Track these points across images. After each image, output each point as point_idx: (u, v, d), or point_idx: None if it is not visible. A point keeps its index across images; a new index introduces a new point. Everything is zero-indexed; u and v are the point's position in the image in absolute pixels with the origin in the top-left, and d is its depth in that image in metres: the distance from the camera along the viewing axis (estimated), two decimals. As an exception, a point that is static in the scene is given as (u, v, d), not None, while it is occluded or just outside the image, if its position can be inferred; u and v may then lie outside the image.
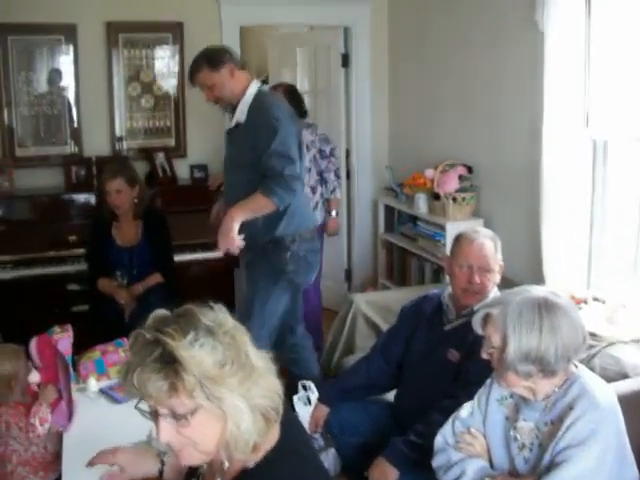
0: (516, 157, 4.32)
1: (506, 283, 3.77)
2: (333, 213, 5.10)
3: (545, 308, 2.02)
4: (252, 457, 1.50)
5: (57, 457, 2.80)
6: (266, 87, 3.79)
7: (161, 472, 1.99)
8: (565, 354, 2.03)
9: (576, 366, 2.13)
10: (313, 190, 4.96)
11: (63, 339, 2.88)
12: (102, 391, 3.13)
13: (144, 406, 1.48)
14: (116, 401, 3.03)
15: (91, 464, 2.06)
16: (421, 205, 4.83)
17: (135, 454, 2.06)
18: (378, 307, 4.18)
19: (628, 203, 3.80)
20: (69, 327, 2.97)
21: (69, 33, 5.06)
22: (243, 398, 1.45)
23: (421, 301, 3.23)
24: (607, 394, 2.10)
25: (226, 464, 1.52)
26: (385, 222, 5.45)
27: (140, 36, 5.24)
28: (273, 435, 1.53)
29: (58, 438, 2.83)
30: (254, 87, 3.61)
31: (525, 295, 2.08)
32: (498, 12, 4.40)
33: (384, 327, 4.02)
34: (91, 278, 4.40)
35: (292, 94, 4.96)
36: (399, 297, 4.08)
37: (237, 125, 3.59)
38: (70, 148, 5.22)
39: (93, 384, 3.10)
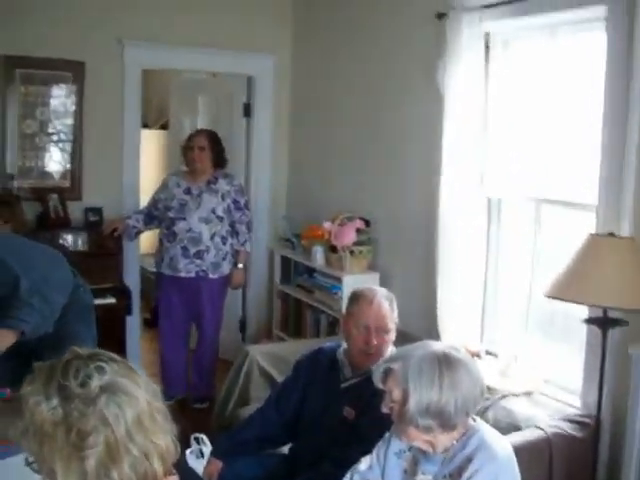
0: (413, 212, 4.41)
1: (402, 336, 3.80)
2: (240, 265, 5.05)
3: (445, 363, 2.04)
4: None
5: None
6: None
7: None
8: (464, 408, 2.04)
9: (474, 419, 2.15)
10: (223, 240, 4.92)
11: None
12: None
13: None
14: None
15: None
16: (318, 257, 4.85)
17: None
18: (273, 358, 4.14)
19: (520, 260, 3.92)
20: None
21: (-39, 64, 4.90)
22: (76, 476, 1.38)
23: (316, 354, 3.19)
24: (504, 446, 2.12)
25: None
26: (282, 273, 5.44)
27: (39, 73, 5.08)
28: None
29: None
30: None
31: (426, 350, 2.09)
32: (403, 65, 4.52)
33: (279, 379, 3.97)
34: None
35: (215, 141, 4.98)
36: (294, 349, 4.05)
37: None
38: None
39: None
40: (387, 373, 2.13)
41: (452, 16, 3.90)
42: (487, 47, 3.93)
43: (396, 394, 2.08)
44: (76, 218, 5.19)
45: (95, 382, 1.40)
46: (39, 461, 1.41)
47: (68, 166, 5.26)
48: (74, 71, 5.16)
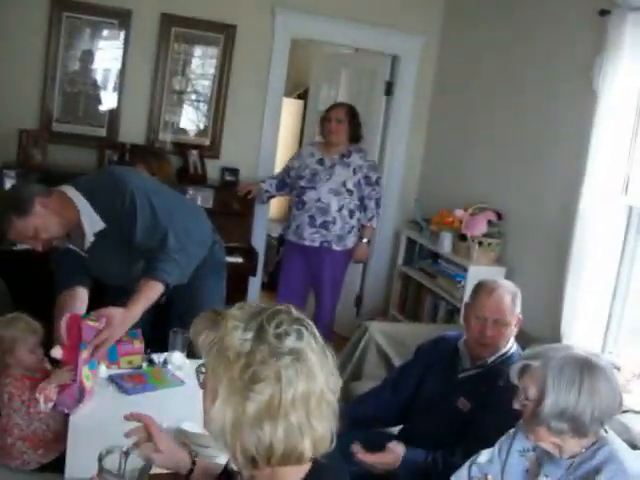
0: (549, 211, 4.32)
1: (520, 335, 3.76)
2: (365, 240, 5.08)
3: (587, 369, 2.01)
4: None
5: (58, 437, 2.78)
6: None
7: (190, 472, 1.95)
8: (600, 417, 2.01)
9: (606, 431, 2.11)
10: (351, 214, 4.96)
11: (91, 328, 2.84)
12: (111, 379, 3.11)
13: None
14: (125, 391, 3.01)
15: (128, 435, 2.04)
16: (446, 243, 4.83)
17: (173, 445, 2.02)
18: (391, 338, 4.16)
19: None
20: (103, 320, 2.92)
21: (124, 18, 5.08)
22: (233, 410, 1.44)
23: (439, 341, 3.19)
24: (636, 462, 2.08)
25: (245, 474, 1.53)
26: (405, 255, 5.44)
27: (193, 33, 5.26)
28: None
29: (62, 418, 2.81)
30: (75, 194, 3.10)
31: (568, 352, 2.06)
32: (554, 62, 4.41)
33: (394, 359, 4.01)
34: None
35: (353, 115, 5.01)
36: (413, 332, 4.09)
37: (96, 236, 3.14)
38: (105, 131, 5.23)
39: (103, 370, 3.07)
40: (525, 369, 2.11)
41: (616, 13, 3.79)
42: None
43: (532, 392, 2.06)
44: (213, 176, 5.34)
45: (290, 342, 1.45)
46: (208, 374, 1.50)
47: (209, 125, 5.42)
48: (225, 34, 5.31)
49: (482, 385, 2.86)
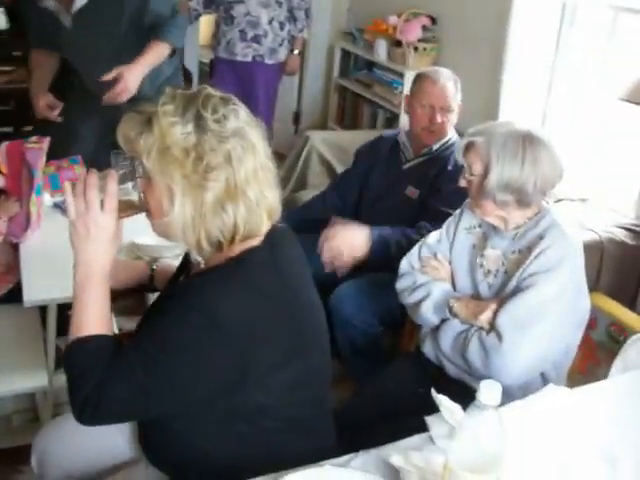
0: (483, 12, 4.28)
1: (460, 133, 3.84)
2: (296, 51, 5.01)
3: (529, 140, 2.06)
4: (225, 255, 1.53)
5: (9, 269, 2.78)
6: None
7: (151, 279, 2.00)
8: (542, 187, 2.09)
9: (547, 202, 2.21)
10: (281, 25, 4.85)
11: (34, 150, 2.78)
12: (56, 205, 3.09)
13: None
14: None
15: None
16: (381, 51, 4.79)
17: (123, 263, 2.05)
18: (332, 146, 4.20)
19: (589, 66, 3.84)
20: (46, 140, 2.86)
21: None
22: (192, 204, 1.47)
23: (377, 141, 3.27)
24: (574, 230, 2.20)
25: (201, 263, 1.58)
26: (340, 67, 5.40)
27: None
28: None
29: (11, 249, 2.80)
30: None
31: (510, 127, 2.12)
32: None
33: (337, 166, 4.06)
34: None
35: None
36: (354, 138, 4.11)
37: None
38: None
39: (47, 199, 3.04)
40: (469, 147, 2.16)
41: None
42: None
43: (477, 167, 2.12)
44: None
45: (230, 123, 1.48)
46: (154, 177, 1.49)
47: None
48: None
49: (428, 171, 2.97)
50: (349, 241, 2.78)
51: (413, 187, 3.01)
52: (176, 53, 3.49)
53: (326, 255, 2.80)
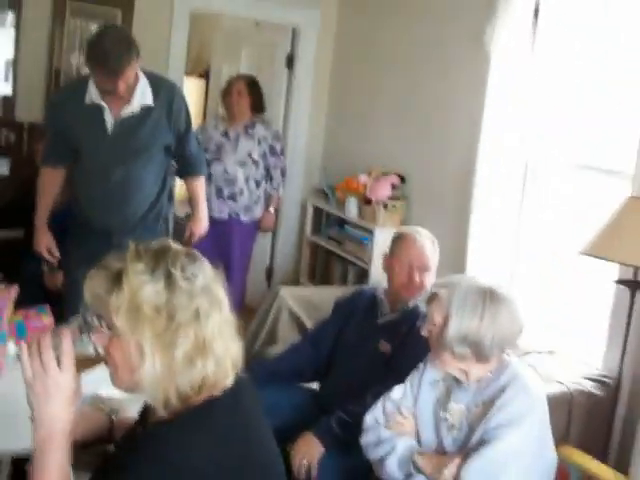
0: (449, 171, 4.46)
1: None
2: (271, 209, 5.15)
3: (490, 297, 2.12)
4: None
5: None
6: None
7: (110, 431, 1.97)
8: (500, 343, 2.13)
9: (508, 354, 2.24)
10: (257, 184, 5.02)
11: (0, 298, 2.80)
12: (20, 356, 3.05)
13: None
14: (36, 366, 2.98)
15: None
16: (352, 209, 4.93)
17: (82, 416, 1.99)
18: (303, 302, 4.24)
19: (552, 223, 3.97)
20: (14, 288, 2.88)
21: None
22: (162, 361, 1.46)
23: (356, 295, 3.28)
24: (537, 383, 2.22)
25: (162, 412, 1.52)
26: (313, 224, 5.52)
27: (89, 7, 5.16)
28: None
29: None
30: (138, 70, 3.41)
31: (473, 282, 2.18)
32: (450, 26, 4.54)
33: (307, 322, 4.08)
34: None
35: (254, 87, 5.06)
36: (324, 294, 4.17)
37: (140, 109, 3.40)
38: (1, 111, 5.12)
39: (11, 348, 3.01)
40: (432, 297, 2.22)
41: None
42: (536, 11, 3.95)
43: (437, 318, 2.17)
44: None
45: (199, 281, 1.50)
46: (121, 334, 1.48)
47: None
48: (122, 8, 5.22)
49: (402, 327, 2.96)
50: (304, 450, 2.75)
51: (385, 341, 2.99)
52: None
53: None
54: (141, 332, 1.46)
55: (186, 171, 3.80)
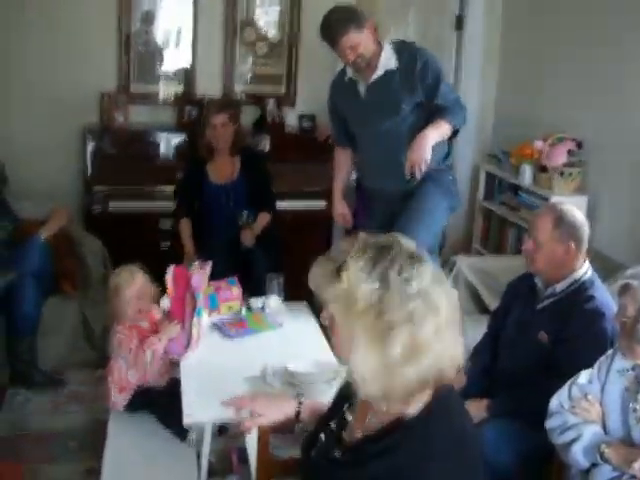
0: (631, 135, 4.24)
1: (604, 260, 3.77)
2: None
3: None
4: (404, 408, 1.55)
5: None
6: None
7: (298, 414, 2.03)
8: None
9: None
10: None
11: (198, 275, 2.99)
12: (214, 325, 3.25)
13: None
14: (228, 336, 3.15)
15: (227, 405, 2.12)
16: (526, 176, 4.80)
17: (272, 400, 2.11)
18: (478, 271, 4.20)
19: None
20: (208, 265, 3.07)
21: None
22: (375, 355, 1.49)
23: (522, 277, 3.08)
24: None
25: (384, 407, 1.58)
26: (485, 189, 5.43)
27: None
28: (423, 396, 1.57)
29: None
30: (386, 41, 3.71)
31: (666, 273, 2.10)
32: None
33: (484, 293, 4.05)
34: (175, 216, 4.54)
35: None
36: (499, 264, 4.16)
37: (385, 74, 3.63)
38: (182, 87, 5.35)
39: (205, 318, 3.20)
40: (625, 288, 2.15)
41: None
42: None
43: (630, 310, 2.11)
44: (290, 124, 5.43)
45: (414, 285, 1.50)
46: (338, 324, 1.56)
47: (283, 74, 5.50)
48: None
49: (558, 316, 2.75)
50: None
51: (544, 331, 2.78)
52: (456, 136, 3.88)
53: None
54: (352, 324, 1.51)
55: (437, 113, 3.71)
